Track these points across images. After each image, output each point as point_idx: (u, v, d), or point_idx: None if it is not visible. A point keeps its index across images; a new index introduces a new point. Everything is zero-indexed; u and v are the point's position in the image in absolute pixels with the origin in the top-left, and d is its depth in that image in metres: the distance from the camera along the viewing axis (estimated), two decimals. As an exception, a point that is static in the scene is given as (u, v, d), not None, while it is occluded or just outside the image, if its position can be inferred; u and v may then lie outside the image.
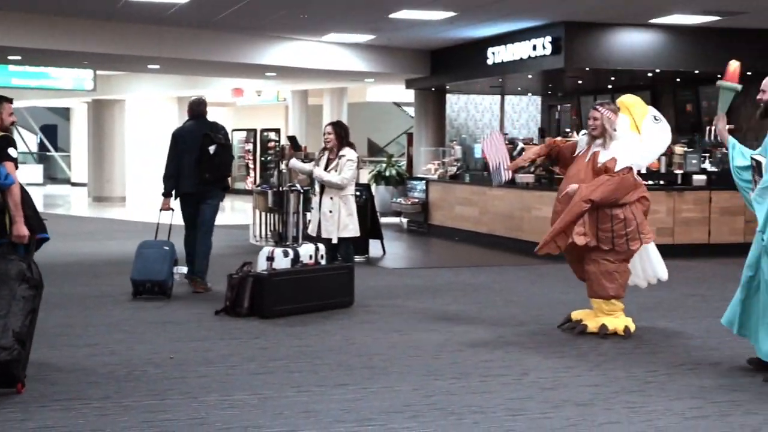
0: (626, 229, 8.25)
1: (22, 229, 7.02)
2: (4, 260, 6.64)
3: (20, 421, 5.85)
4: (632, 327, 8.44)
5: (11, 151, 7.17)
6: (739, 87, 7.47)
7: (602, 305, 8.45)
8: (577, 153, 8.67)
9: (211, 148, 10.72)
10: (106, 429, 5.67)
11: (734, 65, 7.58)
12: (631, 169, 8.37)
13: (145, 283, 10.42)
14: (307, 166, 10.99)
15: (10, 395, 6.29)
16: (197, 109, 11.17)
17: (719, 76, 7.83)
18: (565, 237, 8.32)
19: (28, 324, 6.46)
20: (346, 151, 10.47)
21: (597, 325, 8.41)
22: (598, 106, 8.56)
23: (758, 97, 6.77)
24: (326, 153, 10.58)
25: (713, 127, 7.41)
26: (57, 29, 14.98)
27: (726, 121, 7.54)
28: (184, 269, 10.93)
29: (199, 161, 10.71)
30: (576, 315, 8.71)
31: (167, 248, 10.58)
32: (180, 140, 10.97)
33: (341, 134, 10.58)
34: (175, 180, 10.90)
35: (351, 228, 10.52)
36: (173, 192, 10.97)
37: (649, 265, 8.70)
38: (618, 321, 8.41)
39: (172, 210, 10.96)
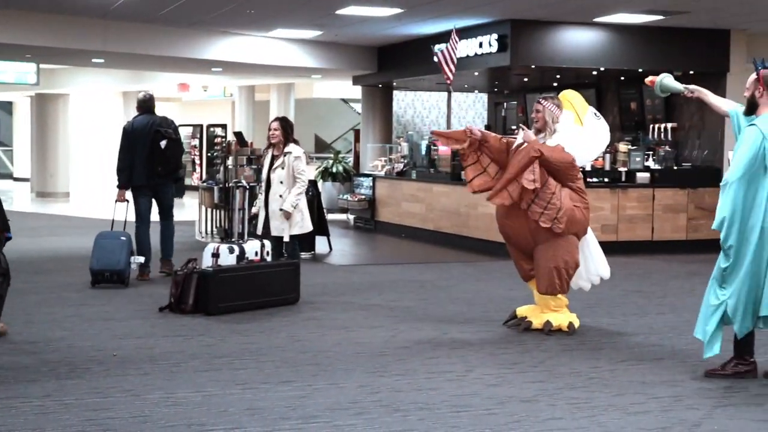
0: (557, 207, 8.32)
1: None
2: None
3: (-41, 420, 5.79)
4: (576, 323, 8.53)
5: None
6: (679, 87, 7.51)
7: (549, 301, 8.51)
8: (515, 145, 8.71)
9: (163, 143, 11.23)
10: (46, 428, 5.60)
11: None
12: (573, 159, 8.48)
13: (104, 273, 10.77)
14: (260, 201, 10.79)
15: (-50, 394, 6.21)
16: (146, 104, 11.57)
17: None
18: (517, 185, 8.32)
19: None
20: (292, 148, 10.45)
21: (542, 322, 8.47)
22: (540, 100, 8.67)
23: (744, 94, 6.77)
24: (271, 149, 10.55)
25: (692, 96, 7.43)
26: (-1, 22, 14.84)
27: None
28: (141, 259, 11.24)
29: (150, 155, 11.23)
30: (521, 311, 8.77)
31: (124, 238, 10.94)
32: (131, 135, 11.39)
33: (287, 130, 10.56)
34: (128, 173, 11.35)
35: (303, 225, 10.50)
36: (128, 184, 11.42)
37: (592, 263, 8.78)
38: (562, 317, 8.49)
39: (127, 201, 11.46)
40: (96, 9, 14.21)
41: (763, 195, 6.57)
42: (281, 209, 10.27)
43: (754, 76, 6.74)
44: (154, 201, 11.65)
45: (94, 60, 19.62)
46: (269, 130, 10.64)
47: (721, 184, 6.77)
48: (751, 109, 6.74)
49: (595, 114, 8.75)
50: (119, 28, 15.83)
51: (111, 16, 14.96)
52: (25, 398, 6.23)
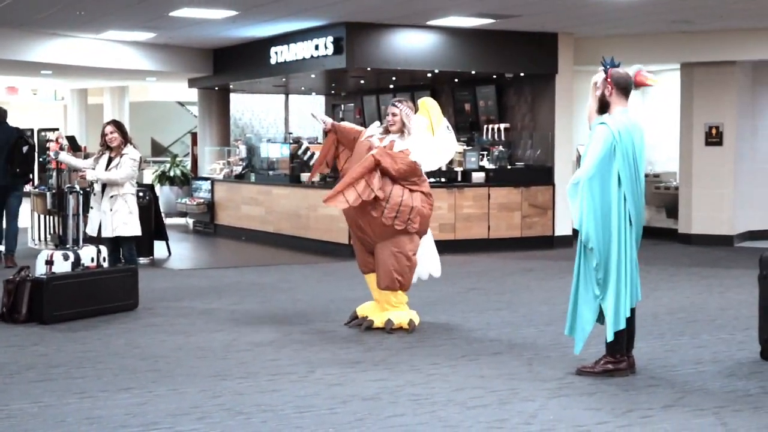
0: (408, 208, 8.48)
1: None
2: None
3: None
4: (417, 320, 8.65)
5: None
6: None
7: (389, 297, 8.62)
8: (362, 138, 8.82)
9: (25, 149, 13.27)
10: None
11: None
12: (418, 163, 8.60)
13: None
14: (79, 162, 11.22)
15: None
16: (4, 115, 13.43)
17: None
18: (354, 192, 8.39)
19: None
20: (129, 150, 10.36)
21: (383, 320, 8.56)
22: (396, 103, 8.73)
23: (596, 93, 6.84)
24: (107, 152, 10.39)
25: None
26: None
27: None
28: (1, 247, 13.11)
29: (10, 159, 13.09)
30: (361, 311, 8.85)
31: None
32: None
33: (124, 132, 10.46)
34: None
35: (132, 226, 10.36)
36: None
37: (426, 261, 8.92)
38: (403, 315, 8.60)
39: None
40: None
41: (614, 193, 6.70)
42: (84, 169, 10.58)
43: (602, 75, 6.85)
44: None
45: None
46: (104, 135, 10.47)
47: (572, 182, 6.85)
48: (603, 108, 6.86)
49: (448, 127, 8.88)
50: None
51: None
52: None
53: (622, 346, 6.86)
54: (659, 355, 7.63)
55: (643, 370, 7.03)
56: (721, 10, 13.26)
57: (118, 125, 10.59)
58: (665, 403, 6.21)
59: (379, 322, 8.59)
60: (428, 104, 8.81)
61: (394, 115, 8.66)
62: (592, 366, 6.93)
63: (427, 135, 8.65)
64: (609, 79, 6.83)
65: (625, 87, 6.87)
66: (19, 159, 13.24)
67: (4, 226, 13.39)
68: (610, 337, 6.77)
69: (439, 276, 9.09)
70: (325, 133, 9.42)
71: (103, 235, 10.30)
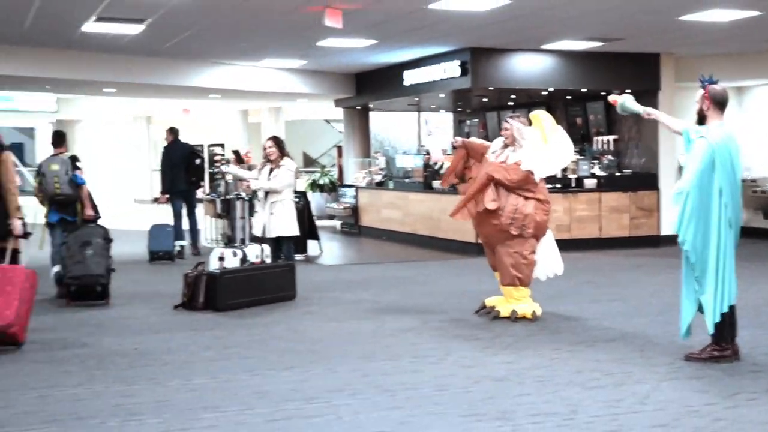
0: (522, 216, 8.43)
1: (90, 212, 10.45)
2: (88, 229, 10.07)
3: (2, 408, 5.79)
4: (539, 311, 8.59)
5: (79, 164, 10.54)
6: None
7: (512, 291, 8.58)
8: (489, 153, 8.80)
9: (197, 161, 14.52)
10: (81, 413, 5.62)
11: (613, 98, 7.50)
12: (531, 172, 8.51)
13: (158, 252, 13.56)
14: (244, 173, 11.45)
15: None
16: (176, 133, 14.65)
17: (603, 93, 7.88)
18: (476, 205, 8.54)
19: (109, 262, 9.90)
20: (286, 161, 10.53)
21: (508, 311, 8.53)
22: (508, 119, 8.72)
23: (696, 107, 6.74)
24: (268, 164, 10.59)
25: (649, 117, 7.26)
26: (21, 57, 14.69)
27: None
28: (184, 242, 14.12)
29: (187, 170, 14.22)
30: (489, 302, 8.82)
31: (169, 229, 13.94)
32: (170, 154, 14.41)
33: (281, 146, 10.64)
34: (169, 182, 14.33)
35: (291, 228, 10.54)
36: (168, 191, 14.41)
37: (548, 261, 8.84)
38: (526, 307, 8.55)
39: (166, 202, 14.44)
40: (107, 44, 14.14)
41: (715, 201, 6.55)
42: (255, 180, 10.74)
43: (701, 91, 6.72)
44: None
45: (105, 90, 19.53)
46: (264, 148, 10.70)
47: (675, 192, 6.70)
48: (701, 120, 6.74)
49: (563, 134, 8.74)
50: (128, 61, 15.75)
51: (121, 50, 14.90)
52: (60, 388, 6.25)
53: (725, 335, 6.69)
54: (761, 343, 7.40)
55: (746, 357, 6.82)
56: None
57: (276, 141, 10.76)
58: (768, 386, 6.04)
59: (505, 312, 8.56)
60: (539, 117, 8.70)
61: (506, 129, 8.64)
62: (699, 353, 6.77)
63: (539, 145, 8.56)
64: (707, 95, 6.69)
65: (721, 102, 6.71)
66: (192, 170, 14.33)
67: (187, 224, 14.44)
68: (710, 330, 6.61)
69: (561, 273, 8.97)
70: (454, 147, 9.48)
71: (266, 235, 10.51)
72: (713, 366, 6.57)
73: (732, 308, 6.65)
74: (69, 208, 10.39)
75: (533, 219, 8.47)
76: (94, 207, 10.70)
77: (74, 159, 10.57)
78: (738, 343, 6.82)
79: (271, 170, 10.51)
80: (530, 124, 8.70)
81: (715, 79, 6.76)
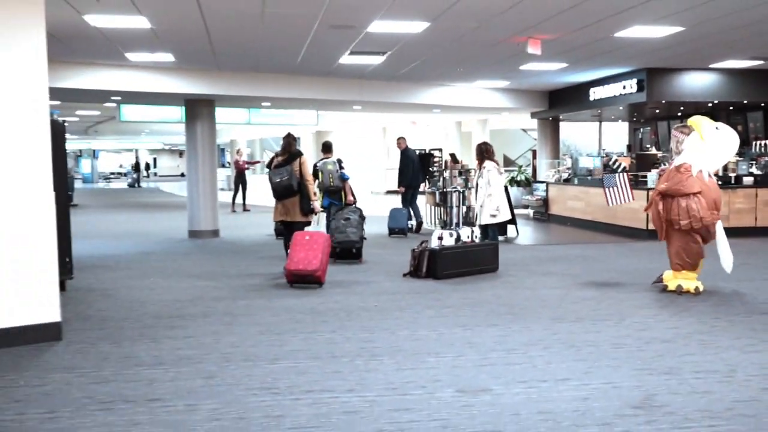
0: (687, 213, 8.02)
1: (351, 198, 11.57)
2: (349, 209, 11.09)
3: (279, 346, 6.09)
4: (701, 287, 8.18)
5: (343, 164, 11.60)
6: None
7: (677, 275, 8.23)
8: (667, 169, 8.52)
9: (432, 162, 15.28)
10: (335, 352, 5.85)
11: None
12: (683, 166, 8.07)
13: (395, 229, 14.24)
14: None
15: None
16: (406, 142, 15.12)
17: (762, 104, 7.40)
18: (655, 207, 8.32)
19: (363, 232, 10.91)
20: (487, 164, 10.56)
21: (675, 285, 8.18)
22: (672, 130, 8.36)
23: None
24: (479, 168, 10.79)
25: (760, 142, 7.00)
26: (294, 84, 15.37)
27: None
28: (413, 222, 14.64)
29: (422, 168, 15.22)
30: (665, 276, 8.46)
31: (404, 212, 14.49)
32: (409, 157, 15.01)
33: (482, 152, 10.76)
34: (408, 178, 14.86)
35: (497, 218, 10.59)
36: (407, 185, 14.90)
37: (721, 258, 8.32)
38: (691, 283, 8.16)
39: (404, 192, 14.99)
40: (356, 72, 14.59)
41: None
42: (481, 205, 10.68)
43: None
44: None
45: (354, 107, 20.12)
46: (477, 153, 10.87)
47: None
48: None
49: (717, 128, 8.21)
50: (371, 85, 16.14)
51: (365, 76, 15.33)
52: (320, 333, 6.49)
53: None
54: None
55: None
56: None
57: (481, 146, 10.91)
58: None
59: (672, 287, 8.21)
60: (695, 121, 8.22)
61: (671, 139, 8.29)
62: None
63: (697, 145, 8.12)
64: None
65: None
66: (426, 169, 15.65)
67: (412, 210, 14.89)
68: None
69: (729, 271, 8.39)
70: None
71: (479, 222, 10.58)
72: None
73: None
74: (336, 195, 11.63)
75: (691, 214, 8.02)
76: (353, 195, 11.75)
77: (340, 161, 11.73)
78: None
79: (475, 171, 10.57)
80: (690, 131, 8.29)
81: None
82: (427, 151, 16.15)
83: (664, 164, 9.24)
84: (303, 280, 8.63)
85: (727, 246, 8.21)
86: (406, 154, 15.06)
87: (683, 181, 8.06)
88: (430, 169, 15.86)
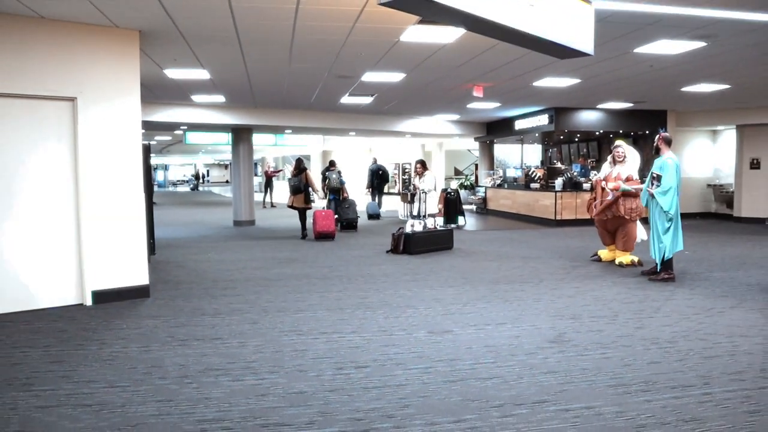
0: (637, 208, 7.83)
1: (346, 194, 12.59)
2: (347, 201, 12.58)
3: (299, 301, 6.06)
4: (636, 259, 7.92)
5: (342, 173, 11.94)
6: None
7: (619, 253, 8.06)
8: (601, 174, 8.22)
9: (388, 175, 15.52)
10: (341, 305, 5.79)
11: None
12: (631, 175, 7.90)
13: (373, 215, 15.00)
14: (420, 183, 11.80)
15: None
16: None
17: None
18: (608, 208, 7.96)
19: (356, 213, 12.41)
20: (427, 173, 11.11)
21: (618, 262, 7.92)
22: (617, 144, 8.06)
23: (656, 144, 6.52)
24: (417, 177, 11.50)
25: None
26: (308, 117, 15.17)
27: None
28: (380, 211, 15.16)
29: (381, 178, 16.12)
30: (601, 253, 8.28)
31: (374, 204, 15.33)
32: (372, 170, 15.86)
33: (424, 165, 11.56)
34: (370, 183, 16.14)
35: (437, 212, 11.10)
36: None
37: (639, 231, 8.17)
38: (626, 258, 7.92)
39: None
40: (353, 108, 14.34)
41: (677, 191, 6.55)
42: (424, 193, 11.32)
43: (658, 136, 6.70)
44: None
45: (350, 133, 19.90)
46: (415, 167, 11.27)
47: (664, 189, 6.54)
48: (657, 152, 6.72)
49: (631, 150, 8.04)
50: (363, 118, 15.90)
51: (359, 111, 15.16)
52: (329, 293, 6.41)
53: (671, 265, 6.61)
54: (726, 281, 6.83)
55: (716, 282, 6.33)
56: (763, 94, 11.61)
57: (421, 162, 11.66)
58: None
59: (605, 258, 8.12)
60: (622, 141, 8.10)
61: (618, 152, 7.94)
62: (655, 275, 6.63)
63: (633, 156, 7.93)
64: (661, 138, 6.66)
65: (669, 142, 6.68)
66: (384, 179, 16.97)
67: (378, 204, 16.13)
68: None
69: (646, 239, 8.10)
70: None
71: (423, 213, 11.06)
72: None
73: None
74: (337, 193, 12.88)
75: (640, 209, 7.79)
76: (347, 193, 13.03)
77: (339, 172, 13.29)
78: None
79: (417, 176, 11.09)
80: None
81: (665, 129, 6.71)
82: (383, 168, 17.73)
83: (596, 172, 9.11)
84: (325, 236, 10.81)
85: (642, 226, 8.16)
86: (372, 169, 17.06)
87: (636, 186, 7.88)
88: (386, 179, 17.45)
